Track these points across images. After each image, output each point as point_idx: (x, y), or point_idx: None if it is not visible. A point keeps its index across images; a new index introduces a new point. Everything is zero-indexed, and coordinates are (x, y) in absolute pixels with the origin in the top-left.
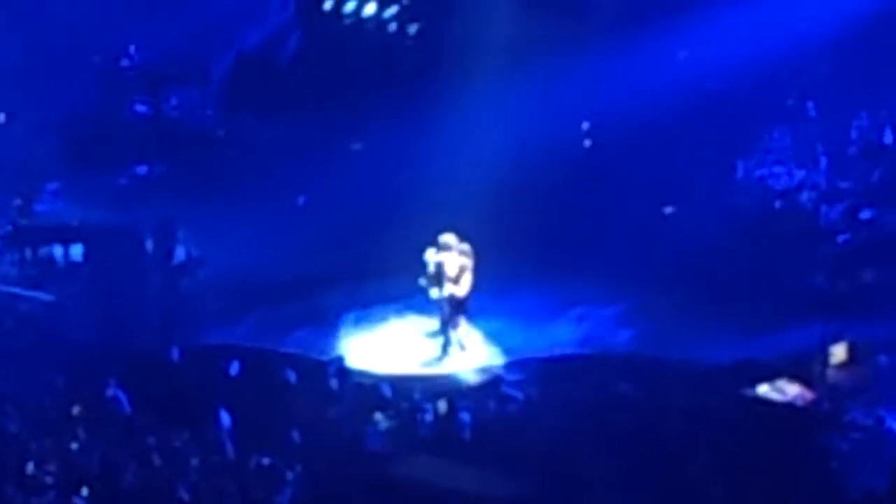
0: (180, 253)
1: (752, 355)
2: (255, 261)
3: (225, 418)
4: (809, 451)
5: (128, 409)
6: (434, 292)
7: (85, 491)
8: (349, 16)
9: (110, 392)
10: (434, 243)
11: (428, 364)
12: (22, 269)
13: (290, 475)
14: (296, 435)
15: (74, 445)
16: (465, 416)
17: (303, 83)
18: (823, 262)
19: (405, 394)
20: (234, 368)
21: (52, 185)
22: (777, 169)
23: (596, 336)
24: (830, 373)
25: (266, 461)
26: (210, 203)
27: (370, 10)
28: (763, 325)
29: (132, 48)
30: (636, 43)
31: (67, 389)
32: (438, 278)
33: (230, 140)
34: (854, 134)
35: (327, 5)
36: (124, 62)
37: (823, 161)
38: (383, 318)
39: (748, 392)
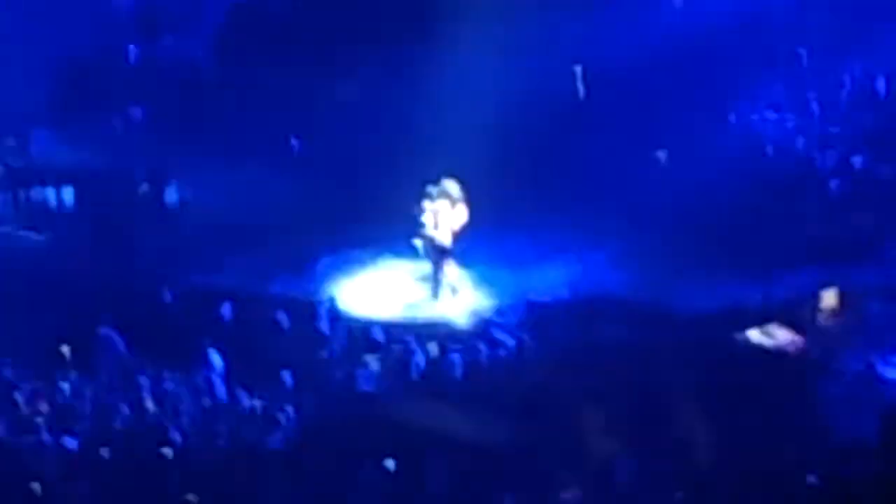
0: (173, 195)
1: (742, 300)
2: (248, 204)
3: (216, 360)
4: (799, 396)
5: (120, 349)
6: (427, 236)
7: (76, 431)
8: None
9: (102, 333)
10: (427, 188)
11: (419, 308)
12: (15, 210)
13: (281, 417)
14: (287, 377)
15: (66, 386)
16: (456, 360)
17: (297, 27)
18: (815, 207)
19: (396, 337)
20: (226, 310)
21: (46, 127)
22: (769, 115)
23: (586, 280)
24: (821, 318)
25: (258, 403)
26: (203, 146)
27: None
28: (754, 270)
29: None
30: None
31: (59, 330)
32: (431, 222)
33: (224, 83)
34: (846, 80)
35: None
36: (119, 4)
37: (816, 107)
38: (375, 262)
39: (738, 336)
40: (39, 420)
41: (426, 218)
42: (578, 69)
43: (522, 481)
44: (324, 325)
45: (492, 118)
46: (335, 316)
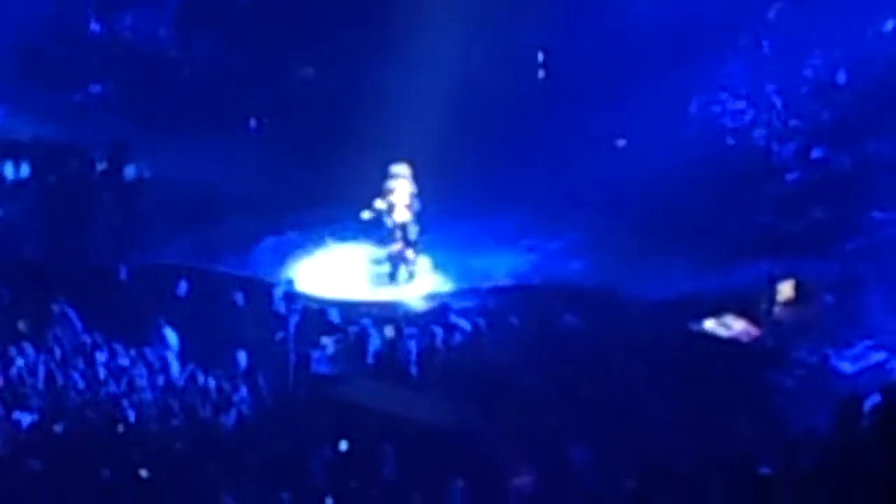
0: (131, 172)
1: (699, 290)
2: (205, 182)
3: (172, 337)
4: (753, 387)
5: (75, 325)
6: (385, 220)
7: (30, 406)
8: None
9: (57, 308)
10: (385, 171)
11: (376, 290)
12: None
13: (235, 396)
14: (242, 356)
15: (20, 361)
16: (412, 344)
17: (258, 6)
18: (773, 199)
19: (352, 319)
20: (182, 288)
21: (4, 102)
22: (730, 106)
23: (544, 267)
24: (777, 310)
25: (212, 382)
26: (162, 123)
27: None
28: (711, 261)
29: None
30: None
31: (14, 305)
32: (389, 205)
33: (184, 61)
34: (807, 73)
35: None
36: None
37: (776, 99)
38: (332, 244)
39: (694, 326)
40: None
41: (384, 200)
42: (540, 55)
43: (476, 466)
44: (280, 306)
45: (451, 102)
46: (292, 296)
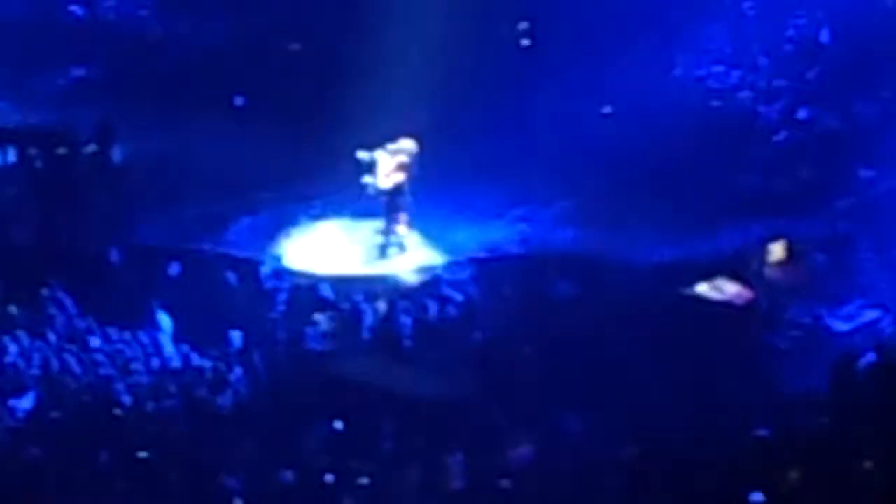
0: (118, 154)
1: (690, 254)
2: (194, 161)
3: (165, 319)
4: (748, 349)
5: (69, 310)
6: (373, 191)
7: (27, 394)
8: None
9: (50, 294)
10: (375, 143)
11: (368, 264)
12: None
13: (231, 376)
14: (236, 336)
15: (14, 348)
16: (406, 317)
17: None
18: (761, 160)
19: (345, 294)
20: (175, 269)
21: None
22: (715, 68)
23: (535, 236)
24: (768, 271)
25: (207, 363)
26: (148, 104)
27: None
28: (701, 224)
29: None
30: None
31: (6, 290)
32: (378, 178)
33: (167, 41)
34: (791, 33)
35: None
36: None
37: (761, 60)
38: (323, 219)
39: (687, 291)
40: None
41: (374, 173)
42: (524, 24)
43: (473, 438)
44: (272, 284)
45: (437, 74)
46: (283, 274)
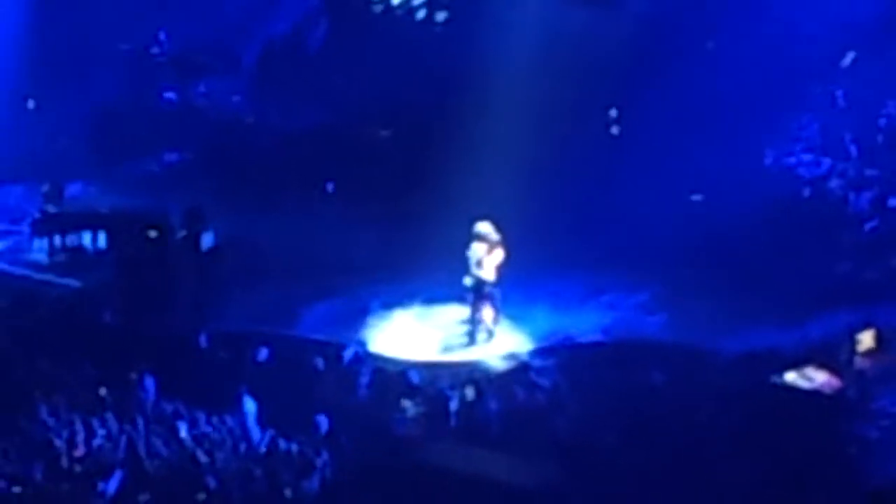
0: (208, 239)
1: (779, 342)
2: (284, 247)
3: (253, 404)
4: (837, 439)
5: (156, 394)
6: (465, 279)
7: (114, 476)
8: (377, 2)
9: (139, 377)
10: (463, 232)
11: (455, 351)
12: (51, 257)
13: (318, 461)
14: (323, 421)
15: (102, 431)
16: (493, 404)
17: (331, 70)
18: (851, 249)
19: (432, 381)
20: (262, 354)
21: (82, 172)
22: (805, 157)
23: (624, 323)
24: (858, 360)
25: (294, 447)
26: (239, 190)
27: None
28: (791, 313)
29: (162, 35)
30: (665, 32)
31: (96, 375)
32: (469, 265)
33: (259, 127)
34: (882, 122)
35: None
36: (154, 49)
37: (852, 149)
38: (411, 305)
39: (776, 379)
40: (77, 465)
41: (465, 260)
42: (613, 112)
43: None
44: (360, 369)
45: (529, 162)
46: (371, 359)
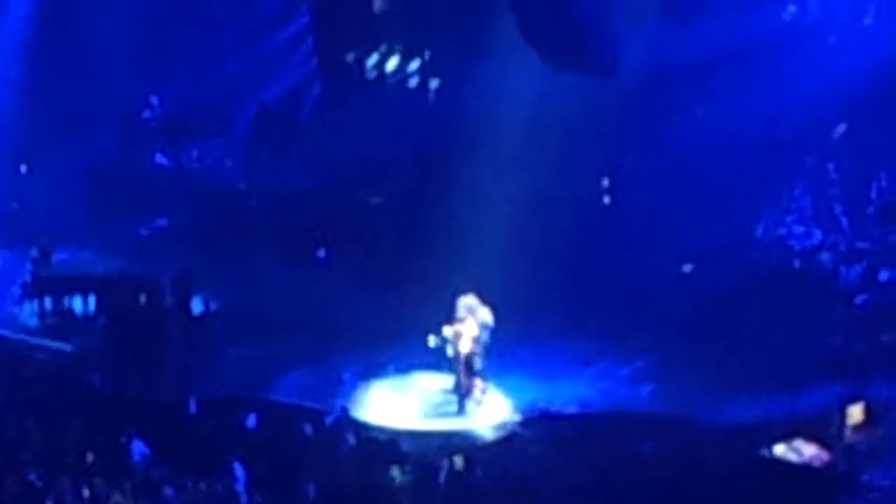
0: (198, 304)
1: (768, 414)
2: (274, 313)
3: (242, 470)
4: None
5: (145, 459)
6: (452, 348)
7: None
8: (371, 69)
9: (127, 442)
10: (452, 301)
11: (443, 419)
12: (41, 319)
13: None
14: (312, 488)
15: (91, 495)
16: (481, 473)
17: (324, 136)
18: (841, 322)
19: (421, 449)
20: (252, 420)
21: (73, 236)
22: (797, 228)
23: (613, 393)
24: (847, 433)
25: None
26: (230, 255)
27: (392, 64)
28: (780, 385)
29: (154, 99)
30: (656, 101)
31: (84, 439)
32: (457, 334)
33: (251, 192)
34: (873, 195)
35: (349, 58)
36: (146, 113)
37: (843, 221)
38: (400, 373)
39: (765, 452)
40: None
41: (452, 329)
42: (605, 181)
43: None
44: (348, 436)
45: (519, 230)
46: (359, 426)
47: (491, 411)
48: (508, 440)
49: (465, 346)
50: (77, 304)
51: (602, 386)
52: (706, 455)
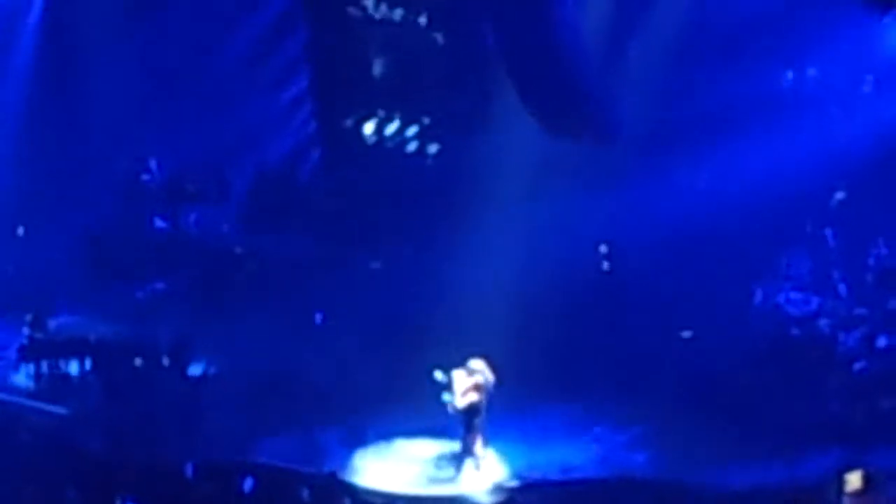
0: (196, 368)
1: (767, 481)
2: (270, 377)
3: None
4: None
5: None
6: (451, 410)
7: None
8: (370, 134)
9: None
10: (451, 364)
11: (440, 484)
12: (37, 382)
13: None
14: None
15: None
16: None
17: (322, 201)
18: (840, 389)
19: None
20: (248, 485)
21: (70, 298)
22: (795, 295)
23: (612, 459)
24: (845, 501)
25: None
26: (227, 319)
27: (392, 128)
28: (778, 452)
29: (153, 162)
30: (655, 169)
31: (80, 502)
32: (454, 398)
33: (248, 257)
34: (871, 261)
35: (348, 122)
36: (145, 176)
37: (841, 288)
38: (398, 437)
39: None
40: None
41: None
42: (603, 247)
43: None
44: (345, 501)
45: (518, 296)
46: (356, 491)
47: (487, 476)
48: None
49: (467, 407)
50: (73, 367)
51: (601, 450)
52: None
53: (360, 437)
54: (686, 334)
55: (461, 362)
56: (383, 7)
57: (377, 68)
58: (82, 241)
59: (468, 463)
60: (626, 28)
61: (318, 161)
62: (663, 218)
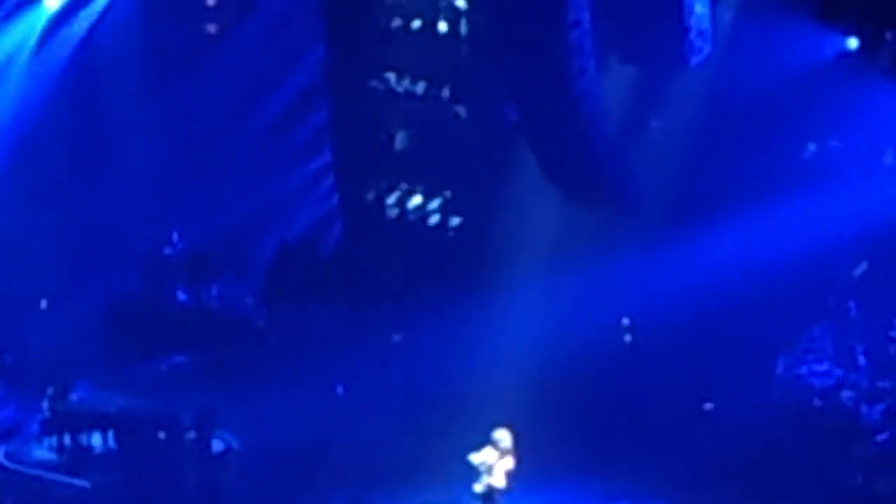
0: (218, 443)
1: None
2: (293, 451)
3: None
4: None
5: None
6: (475, 486)
7: None
8: (392, 207)
9: None
10: (475, 439)
11: None
12: (59, 455)
13: None
14: None
15: None
16: None
17: (344, 274)
18: (863, 461)
19: None
20: None
21: (92, 371)
22: (817, 367)
23: None
24: None
25: None
26: (249, 392)
27: (414, 202)
28: None
29: (175, 236)
30: (678, 240)
31: None
32: (479, 472)
33: (270, 330)
34: (894, 333)
35: (370, 196)
36: (167, 250)
37: (863, 360)
38: None
39: None
40: None
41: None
42: (626, 320)
43: None
44: None
45: (540, 369)
46: None
47: None
48: None
49: (495, 482)
50: (95, 440)
51: None
52: None
53: None
54: (708, 406)
55: (482, 435)
56: (406, 81)
57: (399, 141)
58: (105, 314)
59: None
60: (649, 100)
61: (340, 234)
62: (685, 289)
